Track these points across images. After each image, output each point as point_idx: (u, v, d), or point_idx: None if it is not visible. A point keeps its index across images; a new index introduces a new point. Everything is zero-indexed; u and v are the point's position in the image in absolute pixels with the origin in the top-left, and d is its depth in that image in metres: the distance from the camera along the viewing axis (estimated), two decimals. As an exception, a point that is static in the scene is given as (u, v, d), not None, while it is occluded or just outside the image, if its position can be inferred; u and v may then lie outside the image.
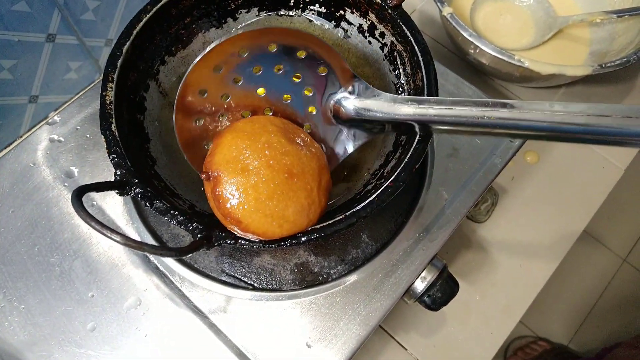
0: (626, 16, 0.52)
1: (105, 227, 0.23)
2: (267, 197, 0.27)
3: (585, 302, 1.21)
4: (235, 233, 0.28)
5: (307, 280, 0.35)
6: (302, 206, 0.28)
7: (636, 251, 1.28)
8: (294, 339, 0.33)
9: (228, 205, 0.27)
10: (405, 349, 0.45)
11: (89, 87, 0.51)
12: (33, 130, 0.40)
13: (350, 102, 0.32)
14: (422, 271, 0.35)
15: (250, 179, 0.27)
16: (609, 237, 1.28)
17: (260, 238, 0.27)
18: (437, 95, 0.31)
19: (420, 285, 0.36)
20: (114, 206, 0.37)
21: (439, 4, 0.50)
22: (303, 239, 0.28)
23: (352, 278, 0.35)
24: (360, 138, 0.33)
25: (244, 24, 0.39)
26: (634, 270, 1.27)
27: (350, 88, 0.32)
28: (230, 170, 0.27)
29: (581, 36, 0.58)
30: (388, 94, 0.31)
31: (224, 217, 0.27)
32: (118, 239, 0.23)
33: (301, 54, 0.33)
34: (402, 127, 0.30)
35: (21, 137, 0.50)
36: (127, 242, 0.23)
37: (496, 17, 0.59)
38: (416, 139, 0.30)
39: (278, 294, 0.34)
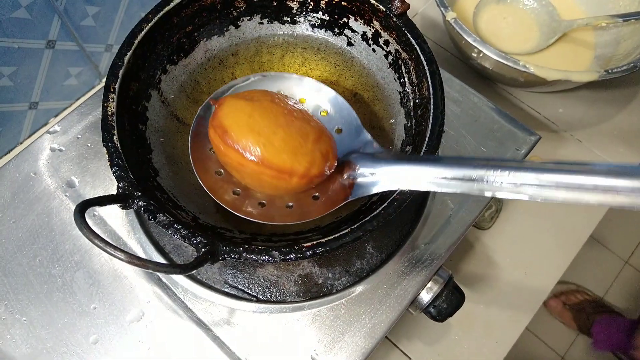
0: (632, 20, 0.51)
1: (108, 244, 0.23)
2: (258, 116, 0.28)
3: (587, 303, 1.21)
4: (223, 153, 0.29)
5: (312, 291, 0.35)
6: (291, 141, 0.28)
7: (638, 253, 1.28)
8: (298, 352, 0.33)
9: (221, 117, 0.28)
10: (410, 358, 0.45)
11: (89, 94, 0.50)
12: (34, 139, 0.40)
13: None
14: (428, 282, 0.35)
15: (250, 103, 0.29)
16: (611, 239, 1.28)
17: (244, 152, 0.28)
18: (444, 106, 0.31)
19: (426, 297, 0.35)
20: (115, 217, 0.37)
21: (442, 8, 0.49)
22: (309, 253, 0.27)
23: (357, 289, 0.35)
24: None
25: (246, 34, 0.38)
26: (636, 272, 1.26)
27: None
28: (236, 97, 0.29)
29: (586, 40, 0.57)
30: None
31: (214, 130, 0.28)
32: (122, 257, 0.23)
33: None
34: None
35: (21, 144, 0.49)
36: (131, 259, 0.23)
37: (499, 21, 0.58)
38: (423, 151, 0.29)
39: (282, 305, 0.34)
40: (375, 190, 0.28)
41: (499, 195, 0.21)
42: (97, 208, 0.37)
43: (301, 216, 0.30)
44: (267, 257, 0.27)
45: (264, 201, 0.31)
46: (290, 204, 0.31)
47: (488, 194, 0.22)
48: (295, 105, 0.31)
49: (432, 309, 0.36)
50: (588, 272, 1.23)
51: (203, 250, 0.26)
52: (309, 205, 0.31)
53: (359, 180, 0.30)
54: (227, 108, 0.29)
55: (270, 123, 0.28)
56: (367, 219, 0.28)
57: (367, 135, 0.32)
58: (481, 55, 0.48)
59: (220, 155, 0.30)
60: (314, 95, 0.35)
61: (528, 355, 1.13)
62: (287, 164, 0.28)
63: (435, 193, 0.38)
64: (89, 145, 0.39)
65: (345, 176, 0.30)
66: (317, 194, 0.31)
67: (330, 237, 0.28)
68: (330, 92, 0.35)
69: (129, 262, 0.23)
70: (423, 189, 0.26)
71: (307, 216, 0.30)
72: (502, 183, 0.21)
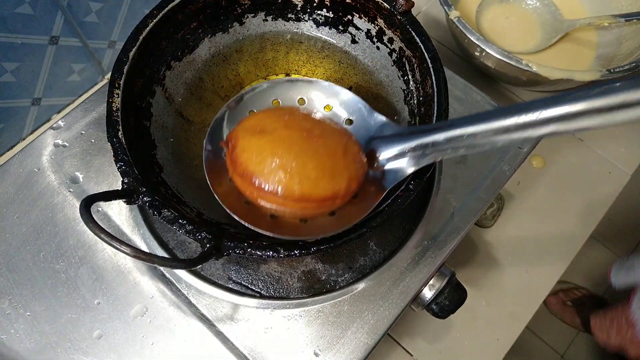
0: (634, 20, 0.51)
1: (114, 238, 0.23)
2: (282, 150, 0.25)
3: (587, 303, 1.21)
4: (255, 198, 0.26)
5: (315, 288, 0.35)
6: (324, 166, 0.26)
7: (638, 252, 1.28)
8: (301, 348, 0.33)
9: (240, 163, 0.26)
10: (411, 355, 0.45)
11: (92, 90, 0.50)
12: (37, 134, 0.40)
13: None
14: (430, 279, 0.35)
15: (266, 137, 0.26)
16: (610, 238, 1.28)
17: (281, 197, 0.25)
18: (447, 103, 0.31)
19: (428, 293, 0.35)
20: (119, 212, 0.37)
21: (445, 7, 0.50)
22: (313, 248, 0.27)
23: (360, 286, 0.35)
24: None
25: (250, 31, 0.38)
26: (635, 272, 1.27)
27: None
28: (247, 133, 0.27)
29: (588, 40, 0.57)
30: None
31: (242, 178, 0.26)
32: (127, 251, 0.23)
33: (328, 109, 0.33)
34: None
35: (24, 140, 0.49)
36: (137, 254, 0.23)
37: (502, 20, 0.58)
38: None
39: (285, 302, 0.34)
40: (410, 169, 0.27)
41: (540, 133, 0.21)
42: (101, 204, 0.37)
43: (343, 223, 0.28)
44: (271, 252, 0.27)
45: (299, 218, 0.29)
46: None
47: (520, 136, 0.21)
48: (308, 120, 0.28)
49: (434, 306, 0.36)
50: (587, 270, 1.23)
51: (208, 245, 0.27)
52: (350, 211, 0.28)
53: (389, 166, 0.28)
54: (246, 152, 0.26)
55: (296, 154, 0.26)
56: (371, 215, 0.28)
57: (381, 117, 0.30)
58: (484, 54, 0.49)
59: (254, 199, 0.27)
60: (312, 93, 0.33)
61: (528, 354, 1.13)
62: (327, 191, 0.26)
63: (437, 191, 0.38)
64: (93, 141, 0.39)
65: (374, 166, 0.28)
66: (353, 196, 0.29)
67: (334, 234, 0.28)
68: (326, 85, 0.32)
69: (134, 257, 0.23)
70: (459, 154, 0.25)
71: (349, 221, 0.28)
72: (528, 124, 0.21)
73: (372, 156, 0.28)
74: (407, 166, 0.27)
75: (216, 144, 0.30)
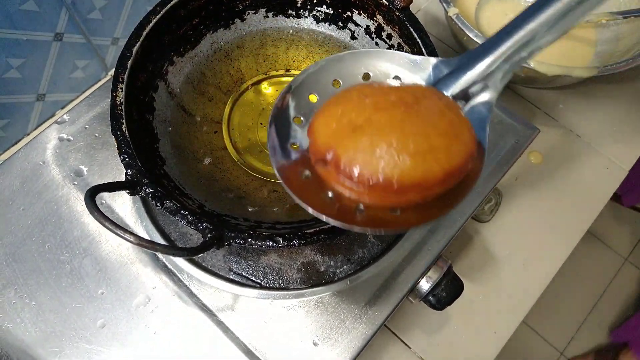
0: (632, 17, 0.52)
1: (118, 226, 0.24)
2: (399, 137, 0.21)
3: (587, 301, 1.22)
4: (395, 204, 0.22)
5: (314, 279, 0.35)
6: (445, 130, 0.22)
7: (638, 251, 1.29)
8: (300, 337, 0.34)
9: (368, 175, 0.21)
10: (409, 347, 0.46)
11: (96, 86, 0.51)
12: (42, 128, 0.41)
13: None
14: (428, 271, 0.36)
15: (366, 131, 0.22)
16: (611, 237, 1.28)
17: (425, 187, 0.21)
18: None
19: (425, 285, 0.36)
20: (122, 205, 0.38)
21: (444, 4, 0.50)
22: (312, 239, 0.28)
23: (358, 277, 0.35)
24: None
25: (252, 27, 0.39)
26: (636, 270, 1.27)
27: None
28: (340, 139, 0.22)
29: (587, 37, 0.58)
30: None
31: (370, 192, 0.22)
32: (131, 239, 0.24)
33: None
34: None
35: (29, 134, 0.50)
36: (140, 242, 0.24)
37: (501, 17, 0.59)
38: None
39: (285, 292, 0.35)
40: (490, 96, 0.24)
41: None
42: (105, 197, 0.38)
43: (444, 205, 0.23)
44: (271, 242, 0.28)
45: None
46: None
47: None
48: (391, 91, 0.24)
49: (431, 298, 0.37)
50: (588, 269, 1.24)
51: (209, 235, 0.27)
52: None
53: (468, 107, 0.24)
54: (358, 160, 0.22)
55: (412, 132, 0.21)
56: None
57: (430, 59, 0.26)
58: (482, 50, 0.49)
59: (374, 199, 0.23)
60: (373, 65, 0.28)
61: (527, 350, 1.14)
62: (462, 153, 0.22)
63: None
64: (97, 135, 0.40)
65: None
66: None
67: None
68: (388, 52, 0.27)
69: (138, 244, 0.23)
70: (531, 57, 0.23)
71: (455, 201, 0.23)
72: None
73: None
74: (489, 95, 0.24)
75: (286, 151, 0.26)
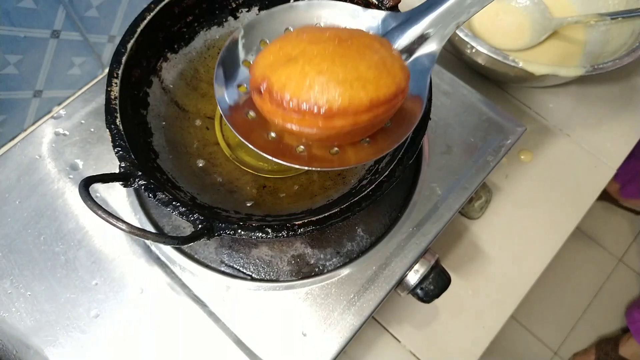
0: (619, 18, 0.53)
1: (111, 215, 0.24)
2: (329, 66, 0.22)
3: (581, 301, 1.23)
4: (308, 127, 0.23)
5: (304, 271, 0.36)
6: (376, 63, 0.23)
7: (632, 251, 1.30)
8: (290, 328, 0.34)
9: (298, 100, 0.23)
10: (399, 341, 0.47)
11: (93, 82, 0.52)
12: (39, 123, 0.42)
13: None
14: (415, 264, 0.37)
15: (298, 61, 0.23)
16: (605, 237, 1.29)
17: (352, 113, 0.23)
18: (431, 94, 0.32)
19: (413, 278, 0.37)
20: (117, 198, 0.38)
21: (436, 4, 0.51)
22: (300, 230, 0.29)
23: (347, 270, 0.36)
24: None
25: (245, 23, 0.40)
26: (630, 270, 1.28)
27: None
28: (275, 69, 0.23)
29: (576, 37, 0.59)
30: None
31: (302, 118, 0.23)
32: (123, 227, 0.24)
33: None
34: None
35: (25, 130, 0.51)
36: (132, 230, 0.24)
37: (493, 18, 0.60)
38: (409, 137, 0.31)
39: (275, 284, 0.36)
40: (434, 48, 0.25)
41: None
42: (99, 190, 0.39)
43: (378, 149, 0.26)
44: (260, 233, 0.29)
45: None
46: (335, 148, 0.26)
47: None
48: (328, 30, 0.25)
49: (419, 291, 0.37)
50: (582, 269, 1.25)
51: (200, 226, 0.28)
52: (384, 134, 0.26)
53: (412, 59, 0.26)
54: (286, 87, 0.23)
55: (342, 63, 0.23)
56: (356, 199, 0.29)
57: (380, 12, 0.28)
58: (474, 50, 0.50)
59: (306, 129, 0.24)
60: (324, 15, 0.29)
61: (521, 350, 1.15)
62: (392, 86, 0.23)
63: (423, 180, 0.39)
64: (92, 130, 0.40)
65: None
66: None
67: (320, 216, 0.29)
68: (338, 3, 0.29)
69: (130, 232, 0.24)
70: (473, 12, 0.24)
71: (387, 147, 0.25)
72: None
73: None
74: (434, 46, 0.25)
75: (232, 87, 0.28)
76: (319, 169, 0.26)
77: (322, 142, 0.26)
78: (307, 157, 0.26)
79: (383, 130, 0.27)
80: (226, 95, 0.27)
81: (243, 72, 0.29)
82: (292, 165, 0.25)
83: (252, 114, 0.27)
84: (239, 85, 0.28)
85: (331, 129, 0.23)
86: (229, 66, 0.28)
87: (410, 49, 0.27)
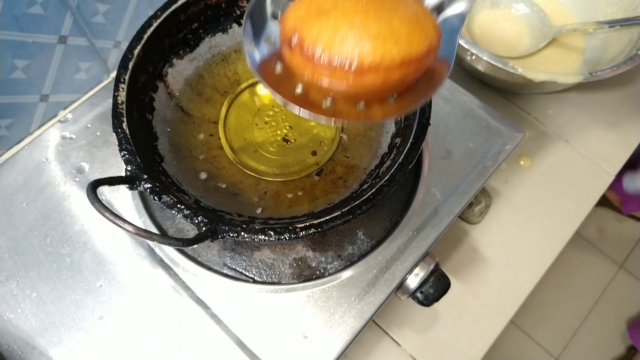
0: (618, 26, 0.54)
1: (118, 217, 0.25)
2: (362, 19, 0.22)
3: (582, 307, 1.23)
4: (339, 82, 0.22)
5: (305, 274, 0.37)
6: (409, 18, 0.22)
7: (632, 258, 1.30)
8: (291, 330, 0.35)
9: (329, 54, 0.22)
10: (399, 345, 0.47)
11: (98, 87, 0.53)
12: (45, 127, 0.42)
13: None
14: (415, 267, 0.37)
15: (331, 14, 0.22)
16: (606, 244, 1.29)
17: (383, 70, 0.22)
18: (430, 100, 0.33)
19: (413, 282, 0.37)
20: (122, 201, 0.39)
21: (436, 12, 0.52)
22: (302, 233, 0.29)
23: (348, 273, 0.37)
24: None
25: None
26: (631, 277, 1.28)
27: None
28: (307, 22, 0.23)
29: (575, 45, 0.59)
30: None
31: (332, 73, 0.23)
32: (130, 229, 0.25)
33: None
34: None
35: (32, 134, 0.51)
36: (138, 231, 0.25)
37: (493, 25, 0.60)
38: (409, 142, 0.31)
39: (277, 287, 0.36)
40: (464, 7, 0.25)
41: None
42: (105, 194, 0.39)
43: (403, 106, 0.25)
44: (263, 236, 0.29)
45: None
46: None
47: None
48: None
49: (419, 294, 0.38)
50: (583, 276, 1.24)
51: (204, 228, 0.29)
52: (410, 92, 0.25)
53: (441, 18, 0.25)
54: (318, 40, 0.22)
55: (375, 16, 0.22)
56: (356, 203, 0.30)
57: None
58: (474, 57, 0.51)
59: (336, 84, 0.23)
60: None
61: (522, 356, 1.15)
62: (424, 43, 0.23)
63: (423, 184, 0.40)
64: (98, 134, 0.41)
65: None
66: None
67: (322, 219, 0.30)
68: None
69: (136, 234, 0.25)
70: None
71: (413, 103, 0.25)
72: None
73: None
74: (463, 5, 0.25)
75: (260, 41, 0.27)
76: (343, 123, 0.25)
77: (350, 98, 0.25)
78: (334, 111, 0.25)
79: (409, 88, 0.26)
80: (255, 49, 0.27)
81: (270, 25, 0.28)
82: (321, 116, 0.24)
83: (279, 68, 0.26)
84: (266, 39, 0.27)
85: (361, 85, 0.23)
86: (257, 19, 0.27)
87: (439, 8, 0.26)
